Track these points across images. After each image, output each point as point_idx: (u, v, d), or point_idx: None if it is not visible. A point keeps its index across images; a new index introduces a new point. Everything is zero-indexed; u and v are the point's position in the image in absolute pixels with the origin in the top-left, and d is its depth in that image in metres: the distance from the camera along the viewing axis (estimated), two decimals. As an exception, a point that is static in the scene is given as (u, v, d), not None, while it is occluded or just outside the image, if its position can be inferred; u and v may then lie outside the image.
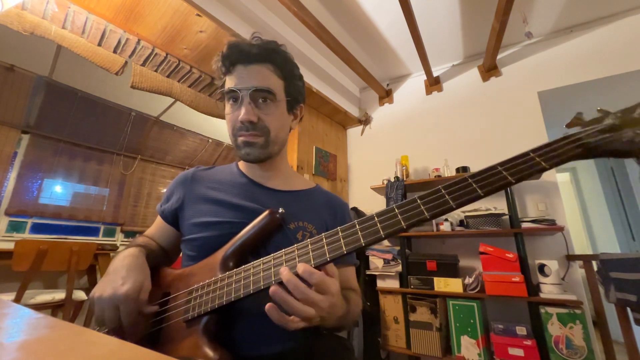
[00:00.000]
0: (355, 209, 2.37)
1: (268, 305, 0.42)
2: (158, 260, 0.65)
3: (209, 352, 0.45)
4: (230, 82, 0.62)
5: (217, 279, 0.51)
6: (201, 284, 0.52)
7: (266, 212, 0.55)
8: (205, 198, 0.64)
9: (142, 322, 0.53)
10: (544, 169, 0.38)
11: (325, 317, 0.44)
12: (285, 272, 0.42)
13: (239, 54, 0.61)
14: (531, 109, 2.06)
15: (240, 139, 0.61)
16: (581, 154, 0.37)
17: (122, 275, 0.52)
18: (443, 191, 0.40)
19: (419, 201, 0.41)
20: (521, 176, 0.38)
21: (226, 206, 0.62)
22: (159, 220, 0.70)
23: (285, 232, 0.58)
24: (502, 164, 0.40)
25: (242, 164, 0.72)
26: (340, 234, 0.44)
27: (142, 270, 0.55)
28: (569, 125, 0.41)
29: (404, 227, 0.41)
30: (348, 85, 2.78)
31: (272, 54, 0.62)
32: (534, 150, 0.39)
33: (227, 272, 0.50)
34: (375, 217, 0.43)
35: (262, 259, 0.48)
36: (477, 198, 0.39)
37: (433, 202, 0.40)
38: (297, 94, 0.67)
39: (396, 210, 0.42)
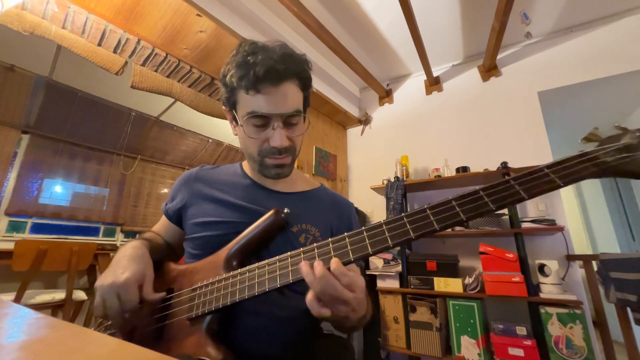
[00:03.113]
0: (355, 209, 2.37)
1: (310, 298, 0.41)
2: (163, 254, 0.65)
3: (212, 352, 0.45)
4: (256, 102, 0.55)
5: (222, 278, 0.51)
6: (205, 282, 0.52)
7: (271, 212, 0.55)
8: (209, 198, 0.64)
9: (148, 310, 0.54)
10: (559, 186, 0.37)
11: (350, 316, 0.43)
12: (319, 267, 0.40)
13: (269, 72, 0.53)
14: (531, 109, 2.06)
15: (270, 161, 0.60)
16: (597, 173, 0.37)
17: (123, 265, 0.53)
18: (454, 202, 0.40)
19: (428, 212, 0.41)
20: (535, 192, 0.37)
21: (228, 207, 0.62)
22: (164, 218, 0.71)
23: (287, 234, 0.58)
24: (515, 178, 0.39)
25: (246, 165, 0.72)
26: (347, 240, 0.44)
27: (143, 260, 0.56)
28: (584, 140, 0.41)
29: (413, 237, 0.40)
30: (348, 85, 2.78)
31: (299, 71, 0.58)
32: (549, 167, 0.38)
33: (232, 272, 0.51)
34: (384, 226, 0.42)
35: (267, 260, 0.48)
36: (489, 212, 0.39)
37: (443, 213, 0.40)
38: (309, 100, 0.65)
39: (405, 220, 0.42)
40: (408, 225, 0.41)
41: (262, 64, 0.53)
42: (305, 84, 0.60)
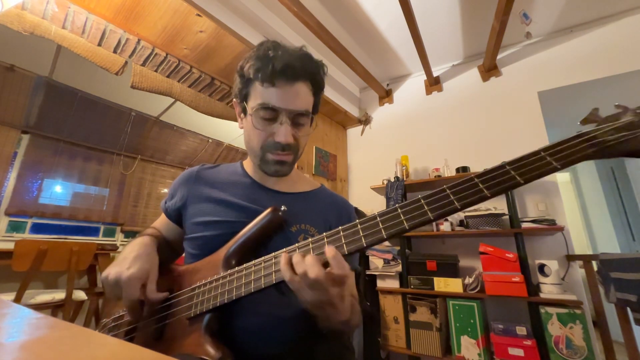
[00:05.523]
0: (355, 209, 2.37)
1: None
2: (165, 253, 0.65)
3: (211, 350, 0.45)
4: (268, 95, 0.56)
5: (219, 277, 0.51)
6: (204, 281, 0.53)
7: (269, 210, 0.55)
8: (208, 197, 0.64)
9: (149, 309, 0.55)
10: (556, 169, 0.35)
11: (329, 310, 0.44)
12: (310, 259, 0.42)
13: (287, 68, 0.55)
14: (531, 109, 2.06)
15: (272, 157, 0.60)
16: (596, 153, 0.34)
17: (129, 260, 0.54)
18: (448, 191, 0.39)
19: (422, 201, 0.40)
20: (531, 176, 0.36)
21: (228, 206, 0.62)
22: (163, 216, 0.71)
23: (286, 234, 0.58)
24: (510, 163, 0.38)
25: (247, 164, 0.71)
26: (341, 233, 0.44)
27: (150, 258, 0.57)
28: (583, 122, 0.38)
29: (407, 227, 0.39)
30: (348, 85, 2.78)
31: (314, 75, 0.60)
32: (545, 149, 0.36)
33: (229, 270, 0.51)
34: (378, 217, 0.42)
35: (263, 257, 0.48)
36: (484, 199, 0.37)
37: (437, 202, 0.39)
38: (318, 107, 0.66)
39: (399, 210, 0.41)
40: (402, 216, 0.40)
41: (281, 59, 0.55)
42: (317, 88, 0.62)
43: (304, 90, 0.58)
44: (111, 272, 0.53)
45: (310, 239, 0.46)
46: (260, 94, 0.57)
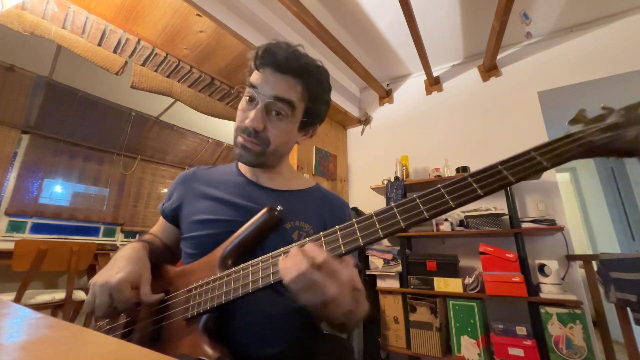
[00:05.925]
0: (355, 209, 2.37)
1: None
2: (162, 257, 0.65)
3: (209, 351, 0.45)
4: (255, 79, 0.60)
5: (216, 277, 0.51)
6: (200, 282, 0.52)
7: (265, 210, 0.55)
8: (203, 196, 0.65)
9: (146, 312, 0.54)
10: (545, 168, 0.37)
11: (331, 307, 0.42)
12: (293, 249, 0.42)
13: (273, 58, 0.58)
14: (531, 109, 2.06)
15: (239, 139, 0.61)
16: (583, 153, 0.37)
17: (119, 265, 0.54)
18: (442, 190, 0.40)
19: (418, 200, 0.41)
20: (522, 176, 0.37)
21: (223, 204, 0.62)
22: (161, 219, 0.72)
23: (281, 232, 0.58)
24: (502, 162, 0.39)
25: (241, 164, 0.72)
26: (338, 233, 0.44)
27: (140, 262, 0.56)
28: (571, 122, 0.40)
29: (403, 227, 0.40)
30: (348, 85, 2.78)
31: (305, 74, 0.60)
32: (535, 149, 0.38)
33: (226, 271, 0.51)
34: (374, 217, 0.42)
35: (260, 257, 0.48)
36: (477, 198, 0.38)
37: (432, 202, 0.40)
38: (316, 117, 0.66)
39: (395, 210, 0.41)
40: (398, 216, 0.41)
41: (269, 48, 0.58)
42: (310, 93, 0.61)
43: (289, 86, 0.59)
44: (99, 278, 0.51)
45: (307, 239, 0.45)
46: (251, 77, 0.61)
